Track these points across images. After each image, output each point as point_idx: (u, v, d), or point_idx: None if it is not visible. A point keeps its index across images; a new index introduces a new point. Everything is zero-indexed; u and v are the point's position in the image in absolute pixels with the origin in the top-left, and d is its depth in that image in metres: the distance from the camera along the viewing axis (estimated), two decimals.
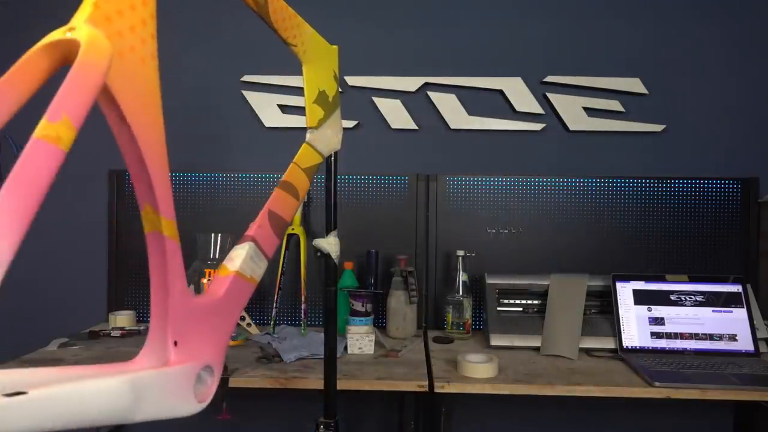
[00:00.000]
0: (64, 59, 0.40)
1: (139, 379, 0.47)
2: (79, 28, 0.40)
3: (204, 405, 0.55)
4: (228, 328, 0.64)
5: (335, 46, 0.94)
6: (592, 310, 1.62)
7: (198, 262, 1.61)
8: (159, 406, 0.49)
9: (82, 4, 0.41)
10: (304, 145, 0.87)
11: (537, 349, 1.52)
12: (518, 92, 1.84)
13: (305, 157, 0.85)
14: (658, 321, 1.52)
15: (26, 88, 0.40)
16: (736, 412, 1.80)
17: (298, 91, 1.86)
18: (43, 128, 0.36)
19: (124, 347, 1.53)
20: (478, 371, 1.30)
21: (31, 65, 0.40)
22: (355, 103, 1.86)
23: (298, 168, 0.83)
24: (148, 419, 0.48)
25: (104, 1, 0.41)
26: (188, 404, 0.53)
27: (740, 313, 1.51)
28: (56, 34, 0.40)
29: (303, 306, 1.68)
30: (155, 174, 0.47)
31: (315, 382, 1.25)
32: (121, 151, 0.46)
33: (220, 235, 1.66)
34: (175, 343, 0.52)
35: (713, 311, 1.52)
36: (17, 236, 0.35)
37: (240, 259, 0.68)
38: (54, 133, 0.36)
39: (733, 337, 1.48)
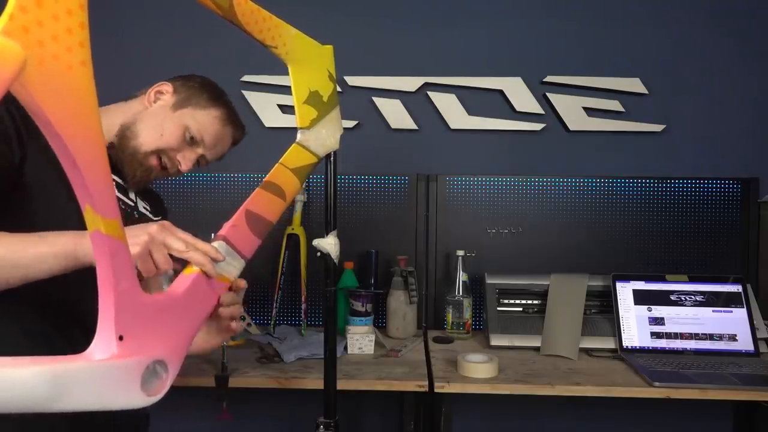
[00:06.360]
0: None
1: (65, 371, 0.49)
2: None
3: (155, 399, 0.57)
4: (190, 325, 0.66)
5: (329, 46, 0.94)
6: (592, 310, 1.61)
7: None
8: (93, 398, 0.50)
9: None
10: (293, 145, 0.86)
11: (537, 349, 1.52)
12: (518, 92, 1.84)
13: (294, 157, 0.85)
14: (658, 321, 1.52)
15: None
16: (736, 411, 1.79)
17: None
18: None
19: None
20: (478, 371, 1.30)
21: None
22: (355, 103, 1.86)
23: (285, 168, 0.82)
24: (79, 409, 0.49)
25: (21, 12, 0.42)
26: (132, 397, 0.55)
27: (740, 313, 1.51)
28: None
29: (303, 306, 1.68)
30: (90, 176, 0.49)
31: (315, 382, 1.25)
32: (57, 155, 0.48)
33: None
34: (121, 338, 0.54)
35: (713, 311, 1.52)
36: None
37: None
38: None
39: (733, 337, 1.48)
